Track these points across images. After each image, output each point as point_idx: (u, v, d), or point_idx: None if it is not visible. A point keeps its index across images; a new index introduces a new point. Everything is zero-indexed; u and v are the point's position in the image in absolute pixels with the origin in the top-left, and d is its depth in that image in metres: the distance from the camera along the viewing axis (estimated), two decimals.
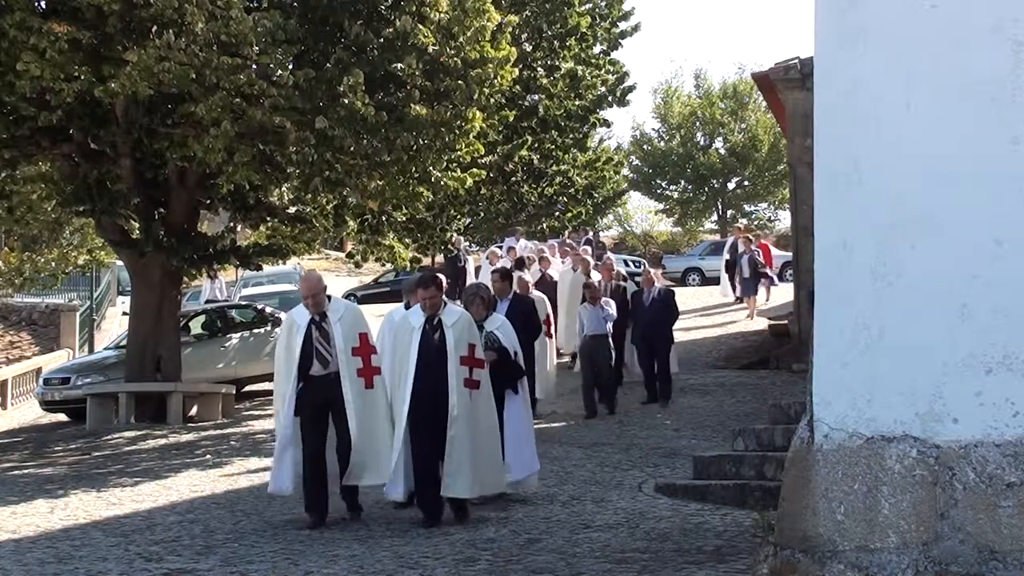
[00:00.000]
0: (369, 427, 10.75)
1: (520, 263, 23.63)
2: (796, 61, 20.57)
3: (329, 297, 11.10)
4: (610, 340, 18.96)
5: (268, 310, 25.92)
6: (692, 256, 48.88)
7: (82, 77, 17.28)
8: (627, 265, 35.37)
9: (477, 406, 10.70)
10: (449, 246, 29.69)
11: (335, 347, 10.75)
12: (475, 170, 23.10)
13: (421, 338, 10.66)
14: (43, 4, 18.06)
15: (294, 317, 11.07)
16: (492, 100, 22.37)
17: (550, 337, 18.75)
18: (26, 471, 16.67)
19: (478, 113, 20.43)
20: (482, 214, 42.91)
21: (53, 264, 30.69)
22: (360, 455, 10.69)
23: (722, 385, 20.72)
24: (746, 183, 63.19)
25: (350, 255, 24.82)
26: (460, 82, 19.71)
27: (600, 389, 18.72)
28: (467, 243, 36.17)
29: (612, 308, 18.97)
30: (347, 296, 16.45)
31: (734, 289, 31.14)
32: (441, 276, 11.52)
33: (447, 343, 10.62)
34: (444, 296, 11.23)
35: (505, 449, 11.35)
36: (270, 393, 14.31)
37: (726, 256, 31.94)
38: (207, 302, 29.39)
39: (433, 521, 10.50)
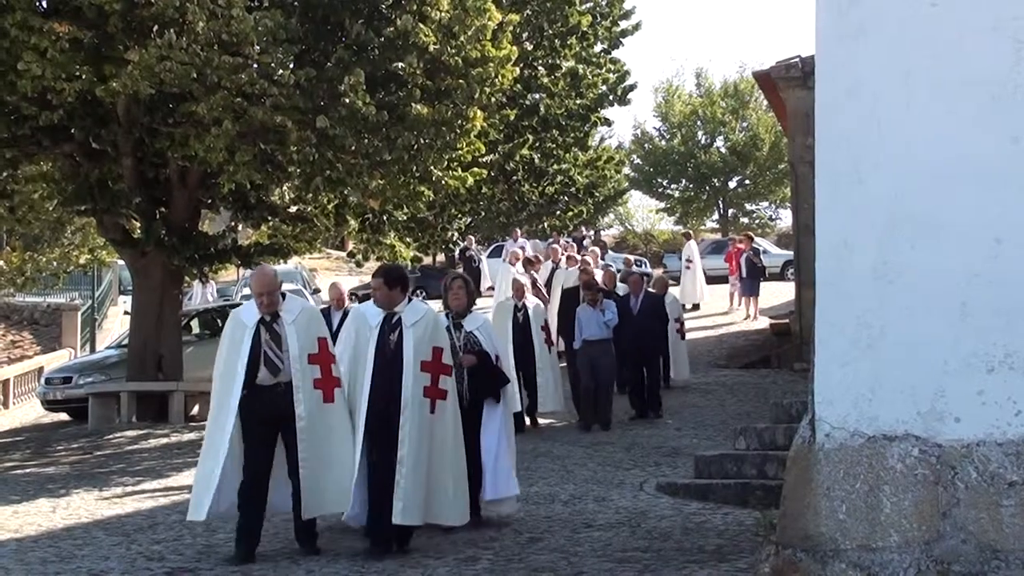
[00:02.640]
0: (327, 448, 9.15)
1: (528, 263, 23.63)
2: (797, 60, 20.57)
3: (283, 295, 9.61)
4: (612, 346, 17.28)
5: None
6: None
7: (83, 76, 17.27)
8: (639, 265, 35.22)
9: (440, 420, 9.29)
10: (455, 246, 29.60)
11: (288, 353, 9.18)
12: (476, 169, 23.10)
13: (378, 339, 9.34)
14: (44, 4, 18.04)
15: (240, 316, 9.54)
16: (493, 99, 22.37)
17: (550, 344, 17.51)
18: (28, 470, 16.68)
19: (479, 112, 20.43)
20: (483, 213, 42.96)
21: (55, 263, 30.66)
22: (315, 481, 9.06)
23: (723, 384, 20.73)
24: (747, 182, 63.19)
25: (351, 254, 24.83)
26: (461, 81, 19.71)
27: (599, 400, 17.16)
28: (481, 244, 36.08)
29: (613, 310, 17.26)
30: (350, 296, 16.47)
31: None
32: (403, 275, 9.87)
33: (404, 345, 9.23)
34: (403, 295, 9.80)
35: (483, 467, 10.20)
36: None
37: (685, 263, 32.03)
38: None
39: (379, 549, 9.08)
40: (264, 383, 9.17)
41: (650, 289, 20.01)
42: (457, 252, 39.74)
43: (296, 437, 9.06)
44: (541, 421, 17.53)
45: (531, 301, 17.32)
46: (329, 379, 9.24)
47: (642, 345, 18.02)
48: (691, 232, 35.89)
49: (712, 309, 31.22)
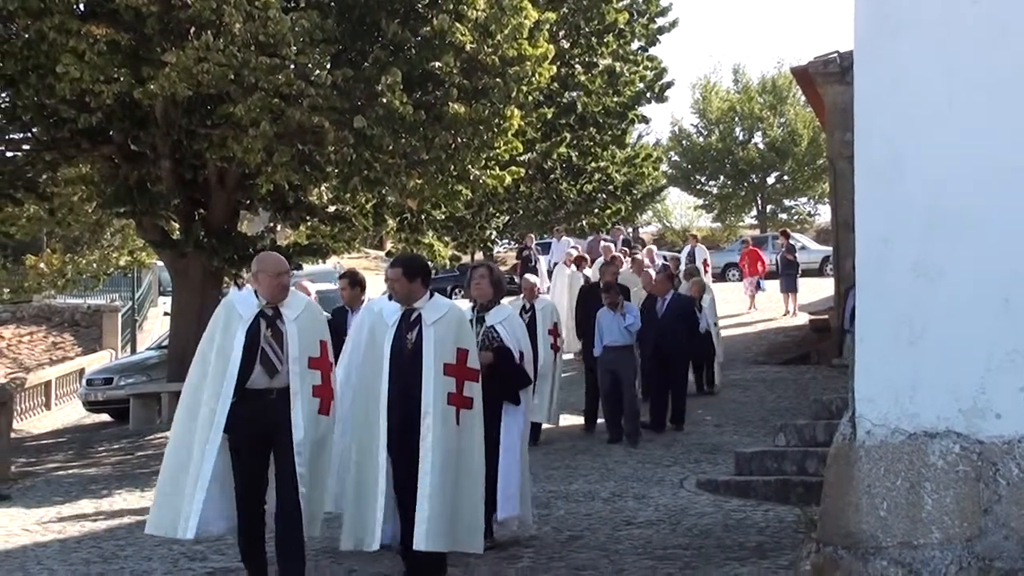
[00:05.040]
0: (323, 465, 8.06)
1: (580, 262, 23.48)
2: (835, 55, 20.46)
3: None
4: (635, 353, 15.86)
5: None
6: (731, 251, 48.70)
7: (121, 79, 17.38)
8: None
9: (467, 432, 8.16)
10: (493, 244, 29.41)
11: (287, 354, 7.89)
12: (514, 168, 23.13)
13: (394, 338, 8.24)
14: (82, 7, 18.17)
15: (235, 305, 8.10)
16: (530, 98, 22.39)
17: (556, 350, 15.71)
18: (71, 471, 16.81)
19: (516, 111, 20.44)
20: (521, 212, 43.03)
21: (94, 265, 30.93)
22: (308, 502, 7.88)
23: (763, 380, 20.64)
24: (785, 178, 62.98)
25: (389, 254, 24.93)
26: (498, 80, 19.72)
27: (625, 411, 15.67)
28: (537, 243, 35.88)
29: (635, 314, 15.84)
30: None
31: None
32: (417, 268, 8.53)
33: (424, 346, 8.12)
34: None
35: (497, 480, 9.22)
36: None
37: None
38: None
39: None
40: (256, 387, 7.83)
41: (680, 291, 18.35)
42: (516, 252, 39.70)
43: (292, 451, 7.74)
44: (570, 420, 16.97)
45: (540, 302, 15.85)
46: (328, 388, 8.04)
47: (664, 350, 16.37)
48: (696, 235, 35.03)
49: (763, 304, 31.08)
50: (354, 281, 12.20)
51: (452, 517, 7.95)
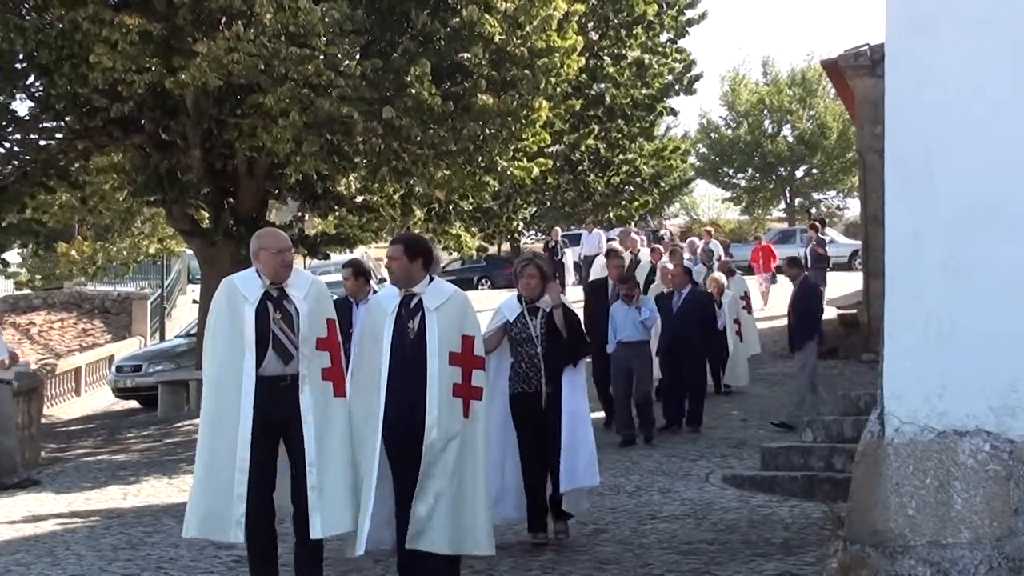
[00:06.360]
0: (336, 454, 7.39)
1: (612, 254, 23.06)
2: (866, 48, 20.37)
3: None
4: (651, 349, 15.34)
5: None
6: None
7: (153, 69, 17.45)
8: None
9: (472, 426, 7.54)
10: (520, 236, 29.31)
11: (299, 336, 7.38)
12: (541, 159, 23.10)
13: (394, 326, 7.60)
14: None
15: (237, 286, 7.50)
16: (558, 89, 22.36)
17: None
18: (99, 457, 16.94)
19: (544, 102, 20.43)
20: (548, 203, 43.03)
21: (125, 253, 31.09)
22: (330, 492, 7.30)
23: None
24: (814, 171, 62.72)
25: None
26: (526, 71, 19.71)
27: (638, 411, 15.14)
28: (564, 235, 35.79)
29: (652, 308, 15.18)
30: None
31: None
32: (425, 248, 8.00)
33: (427, 333, 7.50)
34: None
35: (560, 450, 8.92)
36: None
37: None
38: None
39: None
40: (270, 374, 7.31)
41: (698, 285, 17.62)
42: (543, 244, 39.69)
43: (302, 440, 7.26)
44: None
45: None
46: (339, 369, 7.49)
47: (677, 348, 15.80)
48: (711, 230, 34.31)
49: (777, 299, 30.94)
50: (358, 271, 11.46)
51: (455, 515, 7.37)
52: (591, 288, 17.61)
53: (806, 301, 16.54)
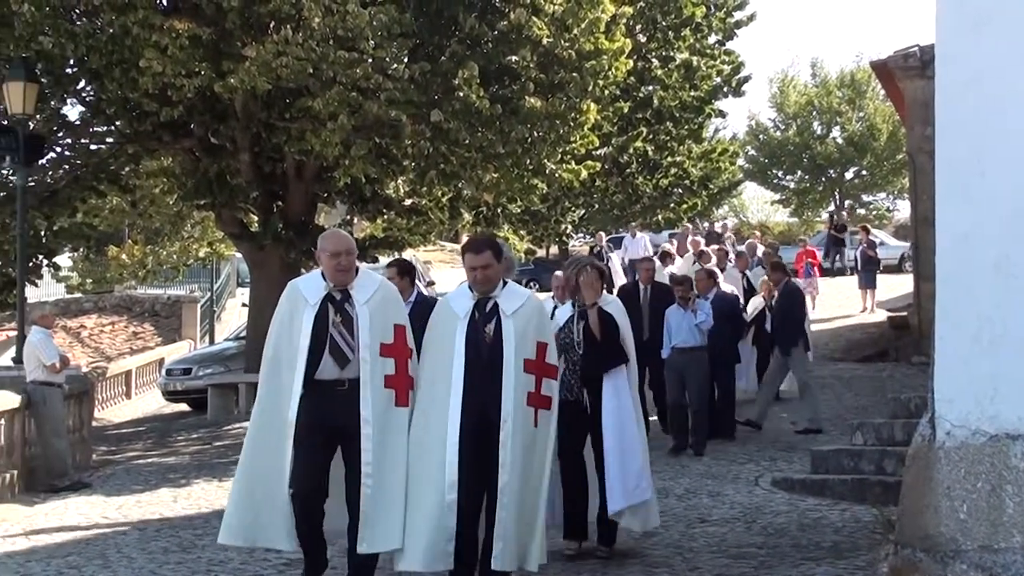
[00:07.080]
0: (393, 467, 7.15)
1: (665, 257, 23.01)
2: (916, 49, 20.23)
3: (356, 269, 7.48)
4: (706, 355, 14.58)
5: None
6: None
7: (202, 73, 17.58)
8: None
9: (542, 436, 7.32)
10: (569, 239, 29.23)
11: (359, 341, 7.20)
12: (590, 162, 23.08)
13: (467, 331, 7.29)
14: (165, 2, 18.42)
15: (300, 289, 7.41)
16: (606, 92, 22.34)
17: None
18: (150, 460, 17.05)
19: (592, 105, 20.41)
20: (596, 206, 43.03)
21: (175, 256, 31.38)
22: (382, 506, 7.08)
23: (840, 378, 20.44)
24: (864, 172, 62.38)
25: None
26: (574, 74, 19.70)
27: (692, 419, 14.58)
28: (608, 239, 35.71)
29: (707, 311, 14.53)
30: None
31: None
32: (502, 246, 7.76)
33: (504, 339, 7.22)
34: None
35: (605, 465, 8.56)
36: None
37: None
38: None
39: None
40: (326, 378, 7.16)
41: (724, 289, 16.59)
42: (588, 250, 39.64)
43: (359, 448, 7.05)
44: None
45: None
46: (404, 377, 7.24)
47: (711, 353, 14.82)
48: (758, 232, 33.67)
49: (828, 302, 30.75)
50: (403, 270, 10.83)
51: (520, 528, 7.13)
52: (620, 294, 16.65)
53: (791, 306, 16.33)
